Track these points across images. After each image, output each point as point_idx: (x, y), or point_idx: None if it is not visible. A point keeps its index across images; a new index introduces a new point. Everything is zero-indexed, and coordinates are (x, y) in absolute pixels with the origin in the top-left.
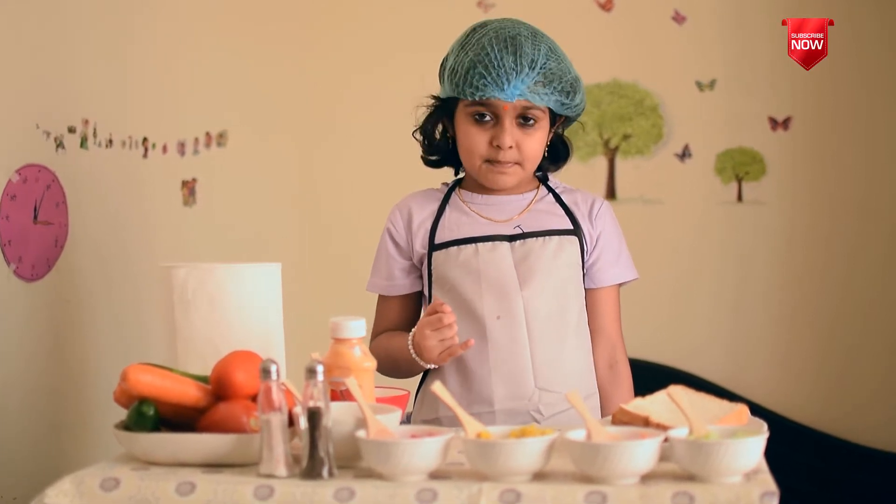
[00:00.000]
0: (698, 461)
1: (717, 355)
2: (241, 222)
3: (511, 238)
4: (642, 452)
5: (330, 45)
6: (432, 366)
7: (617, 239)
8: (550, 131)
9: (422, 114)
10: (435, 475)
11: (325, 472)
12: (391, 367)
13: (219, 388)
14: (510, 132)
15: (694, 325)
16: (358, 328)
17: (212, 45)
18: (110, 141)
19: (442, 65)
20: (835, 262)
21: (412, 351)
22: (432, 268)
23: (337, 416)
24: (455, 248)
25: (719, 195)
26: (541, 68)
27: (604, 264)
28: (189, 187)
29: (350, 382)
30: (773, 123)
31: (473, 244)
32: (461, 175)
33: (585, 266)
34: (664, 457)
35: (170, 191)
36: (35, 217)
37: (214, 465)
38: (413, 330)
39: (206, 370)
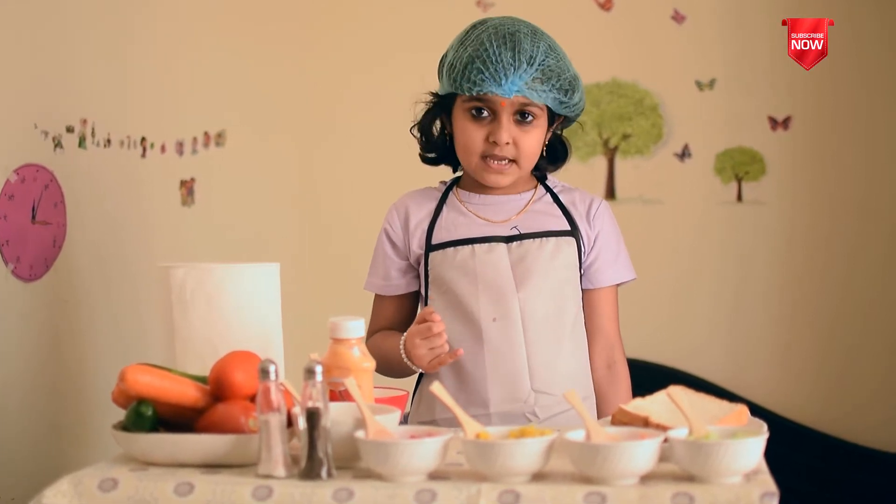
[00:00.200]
0: (698, 462)
1: (716, 355)
2: (240, 222)
3: (508, 239)
4: (642, 453)
5: (330, 45)
6: None
7: (615, 239)
8: (549, 131)
9: (420, 110)
10: (434, 476)
11: (323, 472)
12: (385, 366)
13: (217, 389)
14: (507, 128)
15: (694, 325)
16: (357, 328)
17: (211, 45)
18: (108, 141)
19: (441, 61)
20: (835, 262)
21: (404, 356)
22: (429, 268)
23: (336, 416)
24: (452, 249)
25: (719, 195)
26: (539, 65)
27: (602, 265)
28: (187, 187)
29: (349, 383)
30: (773, 123)
31: (470, 245)
32: (459, 174)
33: (583, 266)
34: (664, 457)
35: (168, 191)
36: (33, 217)
37: (213, 466)
38: (404, 335)
39: (205, 370)
